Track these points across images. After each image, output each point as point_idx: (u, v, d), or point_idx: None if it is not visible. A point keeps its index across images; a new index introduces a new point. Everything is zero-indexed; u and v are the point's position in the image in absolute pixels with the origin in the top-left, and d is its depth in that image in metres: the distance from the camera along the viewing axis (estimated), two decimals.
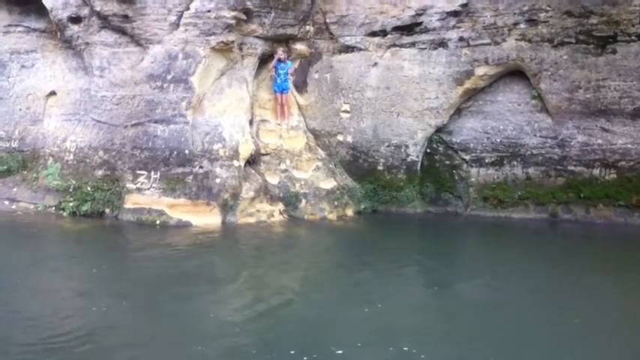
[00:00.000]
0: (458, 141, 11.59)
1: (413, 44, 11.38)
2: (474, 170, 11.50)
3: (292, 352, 5.02)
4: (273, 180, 11.17)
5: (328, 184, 11.38)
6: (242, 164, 10.76)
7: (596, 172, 10.62)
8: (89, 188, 10.62)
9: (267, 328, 5.67)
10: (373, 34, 11.53)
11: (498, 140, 11.30)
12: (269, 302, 6.37)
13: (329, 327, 5.72)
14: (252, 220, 10.34)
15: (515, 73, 11.11)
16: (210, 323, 5.80)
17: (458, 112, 11.51)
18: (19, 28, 12.21)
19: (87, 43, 11.16)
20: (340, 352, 5.04)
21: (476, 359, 5.03)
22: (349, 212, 11.24)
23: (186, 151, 10.41)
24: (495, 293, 6.72)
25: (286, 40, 11.80)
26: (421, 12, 11.15)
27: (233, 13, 10.49)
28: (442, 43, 11.18)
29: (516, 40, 10.71)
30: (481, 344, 5.29)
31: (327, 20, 11.71)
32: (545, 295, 6.73)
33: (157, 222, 9.95)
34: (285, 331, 5.60)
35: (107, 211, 10.45)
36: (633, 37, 10.08)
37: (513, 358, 5.05)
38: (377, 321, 5.86)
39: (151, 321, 5.76)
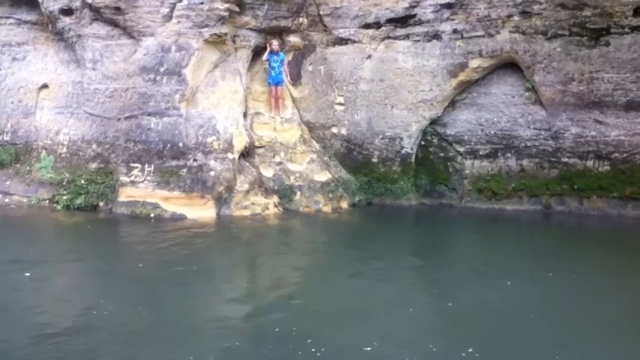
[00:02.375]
0: (452, 133, 11.61)
1: (407, 36, 11.36)
2: (468, 162, 11.53)
3: (309, 340, 4.94)
4: (267, 173, 11.16)
5: (323, 176, 11.38)
6: (236, 157, 10.74)
7: (589, 163, 10.67)
8: (83, 181, 10.57)
9: (273, 322, 5.51)
10: (367, 26, 11.51)
11: (492, 132, 11.33)
12: (272, 296, 6.30)
13: (338, 320, 5.60)
14: (246, 212, 10.34)
15: (509, 66, 11.12)
16: (216, 319, 5.69)
17: (452, 104, 11.52)
18: (10, 20, 12.09)
19: (79, 36, 11.08)
20: (369, 349, 4.92)
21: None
22: (344, 205, 11.25)
23: (180, 144, 10.38)
24: (510, 290, 6.54)
25: (280, 33, 11.76)
26: (415, 4, 11.12)
27: (226, 5, 10.44)
28: (436, 35, 11.16)
29: (510, 32, 10.71)
30: (526, 345, 5.11)
31: (321, 12, 11.67)
32: (572, 292, 6.50)
33: (152, 215, 9.93)
34: (293, 325, 5.42)
35: (101, 204, 10.41)
36: (626, 29, 10.10)
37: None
38: (386, 315, 5.75)
39: (153, 319, 5.61)
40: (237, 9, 10.71)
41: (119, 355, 4.82)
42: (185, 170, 10.24)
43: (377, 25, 11.44)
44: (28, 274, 6.75)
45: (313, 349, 4.85)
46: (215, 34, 10.51)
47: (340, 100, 11.85)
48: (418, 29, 11.26)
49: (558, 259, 7.77)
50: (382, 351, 4.89)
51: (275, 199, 10.77)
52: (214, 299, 6.31)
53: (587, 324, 5.60)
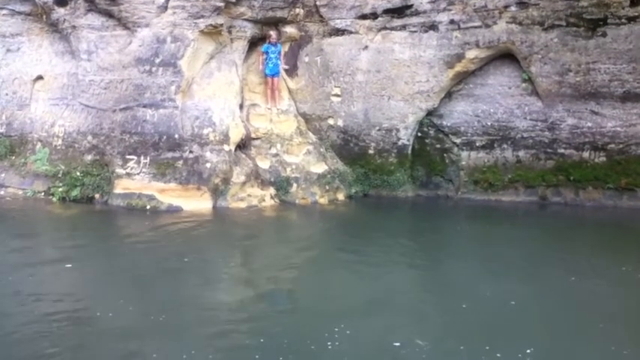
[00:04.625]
0: (448, 124, 11.59)
1: (404, 27, 11.31)
2: (464, 153, 11.52)
3: (324, 334, 4.81)
4: (263, 164, 11.13)
5: (319, 168, 11.36)
6: (232, 149, 10.71)
7: (585, 154, 10.68)
8: (78, 173, 10.53)
9: (280, 316, 5.38)
10: (363, 16, 11.45)
11: (489, 123, 11.31)
12: (275, 290, 6.22)
13: (352, 314, 5.44)
14: (243, 204, 10.33)
15: (505, 56, 11.09)
16: (218, 312, 5.62)
17: (448, 95, 11.50)
18: (4, 11, 11.98)
19: (73, 27, 11.00)
20: (398, 344, 4.73)
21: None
22: (340, 196, 11.24)
23: (176, 136, 10.34)
24: (519, 285, 6.40)
25: (276, 23, 11.70)
26: None
27: None
28: (433, 26, 11.12)
29: (507, 22, 10.67)
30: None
31: (317, 3, 11.60)
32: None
33: (147, 207, 9.90)
34: (301, 318, 5.31)
35: (97, 196, 10.38)
36: (623, 20, 10.07)
37: None
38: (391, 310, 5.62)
39: (151, 312, 5.49)
40: None
41: (118, 349, 4.75)
42: (181, 162, 10.21)
43: (373, 15, 11.38)
44: (18, 272, 6.72)
45: (328, 343, 4.74)
46: (211, 24, 10.45)
47: (337, 91, 11.81)
48: (415, 20, 11.21)
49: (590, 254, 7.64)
50: (421, 348, 4.64)
51: (271, 190, 10.76)
52: (214, 293, 6.25)
53: None
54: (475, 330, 5.13)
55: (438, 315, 5.54)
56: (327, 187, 11.15)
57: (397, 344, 4.76)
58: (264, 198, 10.56)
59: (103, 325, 5.24)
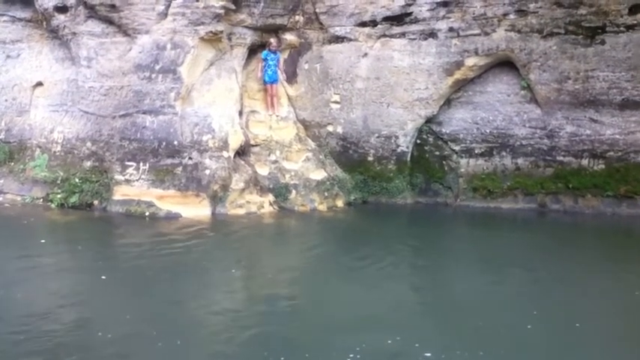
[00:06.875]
0: (447, 132, 11.60)
1: (403, 34, 11.35)
2: (463, 161, 11.52)
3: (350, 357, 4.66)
4: (263, 171, 11.13)
5: (318, 175, 11.36)
6: (232, 155, 10.71)
7: (584, 162, 10.68)
8: (77, 180, 10.52)
9: (279, 325, 5.33)
10: (363, 24, 11.49)
11: (488, 131, 11.32)
12: (271, 298, 6.15)
13: (336, 325, 5.38)
14: (242, 211, 10.31)
15: (504, 64, 11.12)
16: (218, 323, 5.58)
17: (448, 102, 11.51)
18: (4, 18, 12.05)
19: (74, 33, 11.03)
20: (429, 354, 4.56)
21: None
22: (339, 203, 11.22)
23: (175, 142, 10.34)
24: (518, 288, 6.39)
25: (276, 31, 11.74)
26: (411, 2, 11.11)
27: (222, 3, 10.41)
28: (432, 34, 11.15)
29: (506, 30, 10.70)
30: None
31: (317, 10, 11.64)
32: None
33: (146, 213, 9.89)
34: (305, 329, 5.24)
35: (95, 202, 10.36)
36: (622, 28, 10.11)
37: None
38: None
39: (148, 320, 5.45)
40: (232, 6, 10.69)
41: (115, 358, 4.71)
42: (180, 169, 10.21)
43: (373, 23, 11.42)
44: (16, 277, 6.68)
45: (351, 354, 4.64)
46: (211, 31, 10.47)
47: (336, 98, 11.83)
48: (414, 27, 11.24)
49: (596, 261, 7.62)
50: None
51: (270, 197, 10.74)
52: (219, 305, 6.14)
53: None
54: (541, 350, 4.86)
55: (477, 329, 5.26)
56: (326, 194, 11.14)
57: (428, 354, 4.59)
58: (263, 205, 10.55)
59: (101, 332, 5.19)
